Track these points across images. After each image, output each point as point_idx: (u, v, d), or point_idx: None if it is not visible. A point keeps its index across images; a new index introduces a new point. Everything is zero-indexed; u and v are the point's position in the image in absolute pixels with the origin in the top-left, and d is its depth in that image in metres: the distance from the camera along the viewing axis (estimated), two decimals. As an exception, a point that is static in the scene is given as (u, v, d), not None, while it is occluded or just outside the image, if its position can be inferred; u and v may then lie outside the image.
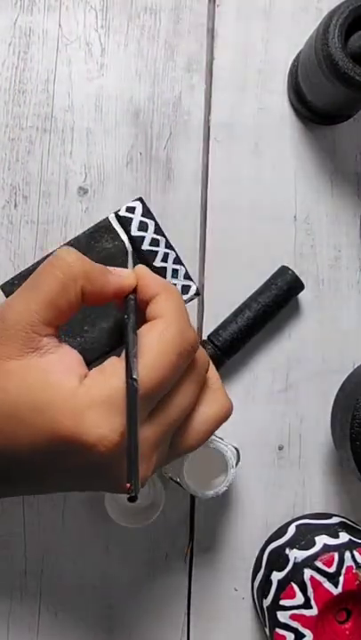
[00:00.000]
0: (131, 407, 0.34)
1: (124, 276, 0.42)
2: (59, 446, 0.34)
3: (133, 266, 0.47)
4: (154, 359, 0.36)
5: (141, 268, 0.43)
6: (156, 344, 0.37)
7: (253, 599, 0.56)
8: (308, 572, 0.49)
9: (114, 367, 0.36)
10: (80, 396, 0.35)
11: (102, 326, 0.50)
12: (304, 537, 0.53)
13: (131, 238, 0.50)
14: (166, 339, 0.37)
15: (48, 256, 0.49)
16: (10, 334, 0.36)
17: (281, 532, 0.55)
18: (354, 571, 0.49)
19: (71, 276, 0.37)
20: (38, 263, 0.49)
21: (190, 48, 0.57)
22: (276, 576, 0.51)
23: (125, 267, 0.50)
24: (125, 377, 0.35)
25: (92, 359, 0.49)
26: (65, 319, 0.38)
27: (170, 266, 0.50)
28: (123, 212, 0.50)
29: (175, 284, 0.50)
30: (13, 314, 0.37)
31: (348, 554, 0.50)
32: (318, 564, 0.49)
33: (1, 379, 0.36)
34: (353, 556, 0.50)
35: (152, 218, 0.50)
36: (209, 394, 0.41)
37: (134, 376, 0.34)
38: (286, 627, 0.49)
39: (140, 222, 0.50)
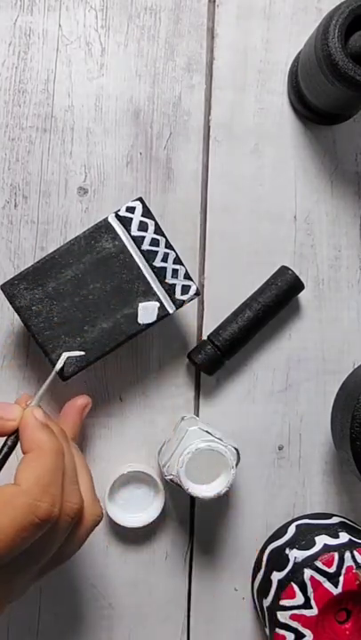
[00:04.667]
0: None
1: (8, 419, 0.42)
2: None
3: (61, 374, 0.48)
4: None
5: (28, 417, 0.42)
6: None
7: (253, 599, 0.56)
8: (308, 572, 0.49)
9: None
10: None
11: (102, 326, 0.50)
12: (304, 537, 0.53)
13: (131, 238, 0.50)
14: (10, 511, 0.36)
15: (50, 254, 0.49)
16: None
17: (281, 532, 0.55)
18: (354, 571, 0.49)
19: None
20: (38, 263, 0.49)
21: (190, 48, 0.57)
22: (276, 576, 0.51)
23: (125, 268, 0.50)
24: None
25: (92, 359, 0.50)
26: None
27: (170, 266, 0.50)
28: (123, 212, 0.50)
29: (175, 284, 0.50)
30: None
31: (348, 554, 0.50)
32: (318, 564, 0.49)
33: None
34: (353, 556, 0.50)
35: (152, 218, 0.50)
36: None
37: None
38: (286, 627, 0.49)
39: (140, 222, 0.50)
